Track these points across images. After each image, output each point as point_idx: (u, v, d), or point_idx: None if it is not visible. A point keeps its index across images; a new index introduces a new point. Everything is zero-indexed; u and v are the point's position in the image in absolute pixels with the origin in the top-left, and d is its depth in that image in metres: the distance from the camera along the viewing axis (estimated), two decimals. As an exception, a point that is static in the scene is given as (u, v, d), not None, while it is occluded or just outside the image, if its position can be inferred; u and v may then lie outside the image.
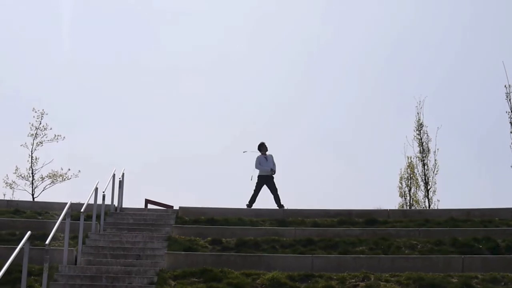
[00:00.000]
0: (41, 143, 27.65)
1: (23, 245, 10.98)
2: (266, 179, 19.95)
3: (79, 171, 27.94)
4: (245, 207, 19.49)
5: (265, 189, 20.03)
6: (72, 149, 34.48)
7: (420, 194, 28.26)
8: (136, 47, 48.45)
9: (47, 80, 44.45)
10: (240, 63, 49.72)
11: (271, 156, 20.21)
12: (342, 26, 50.61)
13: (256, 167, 20.09)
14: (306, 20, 49.96)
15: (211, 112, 45.74)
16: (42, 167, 27.48)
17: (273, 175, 19.98)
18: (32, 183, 27.29)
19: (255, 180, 19.98)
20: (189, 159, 41.98)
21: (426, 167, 28.17)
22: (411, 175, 28.75)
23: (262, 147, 20.32)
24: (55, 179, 27.65)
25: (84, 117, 42.92)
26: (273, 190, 19.87)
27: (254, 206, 19.70)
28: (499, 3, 49.04)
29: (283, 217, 18.15)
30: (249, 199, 19.84)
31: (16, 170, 27.28)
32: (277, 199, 19.73)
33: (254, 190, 19.92)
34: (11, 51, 44.46)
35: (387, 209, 19.25)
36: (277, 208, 19.39)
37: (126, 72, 47.62)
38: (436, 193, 27.76)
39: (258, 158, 20.16)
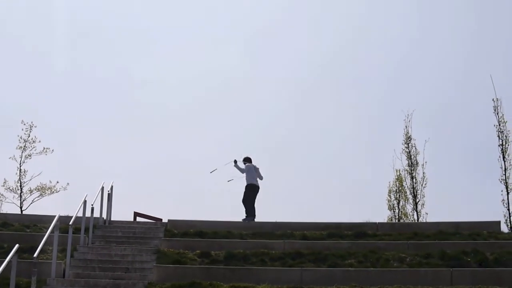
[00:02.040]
0: (30, 155, 27.57)
1: (11, 258, 10.94)
2: (254, 188, 19.99)
3: (68, 183, 27.88)
4: (240, 220, 19.51)
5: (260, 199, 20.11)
6: (61, 161, 34.37)
7: (409, 207, 28.29)
8: (128, 58, 48.47)
9: (37, 90, 44.41)
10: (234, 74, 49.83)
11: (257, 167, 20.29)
12: (330, 37, 50.80)
13: (243, 172, 20.20)
14: (298, 30, 50.17)
15: (201, 123, 45.74)
16: (30, 179, 27.40)
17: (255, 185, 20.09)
18: (21, 196, 27.17)
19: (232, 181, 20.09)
20: (178, 171, 41.96)
21: (414, 180, 28.21)
22: (400, 188, 28.78)
23: (249, 159, 20.42)
24: (43, 192, 27.55)
25: (74, 129, 42.82)
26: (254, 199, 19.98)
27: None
28: (488, 16, 49.37)
29: (272, 230, 18.14)
30: (245, 211, 19.84)
31: (4, 182, 27.19)
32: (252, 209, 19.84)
33: (246, 202, 19.96)
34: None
35: (376, 222, 19.30)
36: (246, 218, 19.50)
37: (119, 83, 47.62)
38: (424, 206, 27.78)
39: (248, 166, 20.21)
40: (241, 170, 20.24)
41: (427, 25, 48.85)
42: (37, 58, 46.01)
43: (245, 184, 20.01)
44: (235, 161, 20.40)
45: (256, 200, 19.94)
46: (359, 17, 49.63)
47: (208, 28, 49.71)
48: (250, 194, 19.90)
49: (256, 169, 20.16)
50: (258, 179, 20.11)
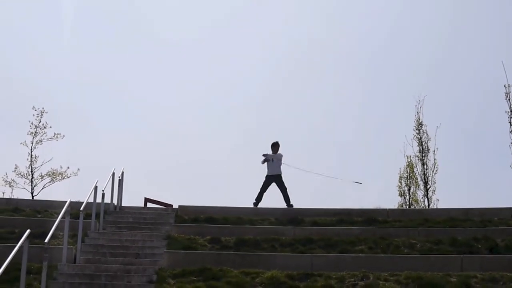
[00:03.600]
0: (41, 141, 27.66)
1: (22, 243, 10.96)
2: (274, 179, 19.99)
3: (78, 169, 27.96)
4: (252, 205, 19.51)
5: (273, 187, 20.07)
6: (72, 147, 34.49)
7: (420, 194, 28.25)
8: (137, 44, 48.49)
9: (48, 77, 44.52)
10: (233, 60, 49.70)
11: (280, 155, 20.22)
12: (339, 24, 50.60)
13: (262, 162, 20.20)
14: (303, 16, 49.96)
15: (212, 112, 45.73)
16: (41, 165, 27.50)
17: (281, 175, 20.01)
18: (32, 182, 27.29)
19: None
20: (189, 158, 42.01)
21: (425, 166, 28.16)
22: (411, 175, 28.72)
23: (273, 147, 20.34)
24: (54, 178, 27.65)
25: (85, 115, 42.94)
26: (282, 189, 19.88)
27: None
28: (500, 2, 49.03)
29: (283, 216, 18.15)
30: (255, 197, 19.88)
31: (15, 168, 27.31)
32: (286, 198, 19.75)
33: (261, 189, 19.96)
34: (11, 48, 44.48)
35: (387, 209, 19.27)
36: (286, 207, 19.43)
37: (129, 70, 47.67)
38: (435, 192, 27.75)
39: (267, 156, 20.22)
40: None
41: (440, 11, 48.57)
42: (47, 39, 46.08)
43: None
44: (264, 155, 20.36)
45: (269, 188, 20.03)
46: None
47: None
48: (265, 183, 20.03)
49: (276, 159, 20.15)
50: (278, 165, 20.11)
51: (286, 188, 19.85)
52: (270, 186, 20.03)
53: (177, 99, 48.24)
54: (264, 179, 20.09)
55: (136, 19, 50.03)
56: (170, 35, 50.10)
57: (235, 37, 49.98)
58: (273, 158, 20.08)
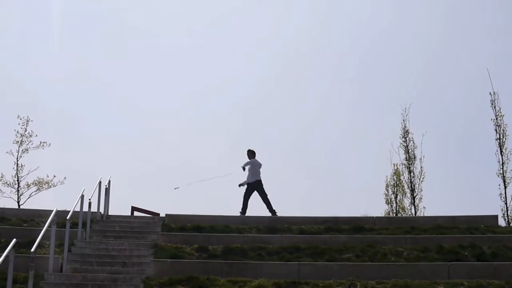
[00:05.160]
0: (27, 150, 27.52)
1: (8, 252, 10.91)
2: (255, 185, 19.98)
3: (65, 178, 27.83)
4: (238, 214, 19.49)
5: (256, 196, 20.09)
6: (58, 156, 34.35)
7: (406, 201, 28.36)
8: (129, 46, 48.42)
9: (34, 85, 44.34)
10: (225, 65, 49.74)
11: (258, 162, 20.27)
12: (325, 32, 50.76)
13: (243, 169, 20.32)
14: (288, 22, 50.08)
15: (200, 117, 45.70)
16: (27, 174, 27.36)
17: (261, 181, 20.03)
18: (18, 191, 27.14)
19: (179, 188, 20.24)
20: (175, 165, 41.95)
21: (412, 174, 28.27)
22: (397, 182, 28.82)
23: (250, 154, 20.39)
24: (40, 186, 27.50)
25: (71, 123, 42.78)
26: (263, 197, 19.88)
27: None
28: (485, 11, 49.37)
29: (270, 224, 18.15)
30: (241, 207, 19.88)
31: (1, 177, 27.15)
32: (268, 205, 19.75)
33: (244, 197, 19.96)
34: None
35: (374, 216, 19.30)
36: (270, 215, 19.42)
37: (116, 77, 47.57)
38: (422, 200, 27.86)
39: (252, 162, 20.33)
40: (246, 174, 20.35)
41: (427, 19, 48.84)
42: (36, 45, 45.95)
43: (250, 180, 20.12)
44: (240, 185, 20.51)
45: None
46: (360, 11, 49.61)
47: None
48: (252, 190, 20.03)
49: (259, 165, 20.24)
50: (258, 171, 20.17)
51: (266, 195, 19.88)
52: (253, 194, 20.05)
53: (166, 104, 48.14)
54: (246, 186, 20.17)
55: (123, 22, 49.97)
56: (160, 39, 50.08)
57: (224, 41, 50.02)
58: (252, 163, 20.17)
